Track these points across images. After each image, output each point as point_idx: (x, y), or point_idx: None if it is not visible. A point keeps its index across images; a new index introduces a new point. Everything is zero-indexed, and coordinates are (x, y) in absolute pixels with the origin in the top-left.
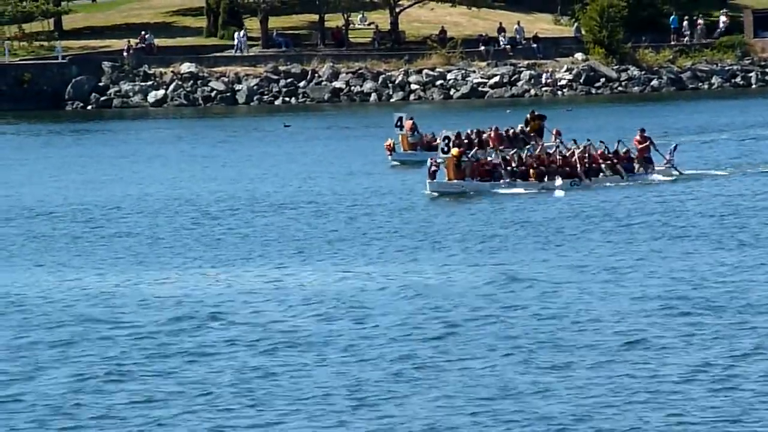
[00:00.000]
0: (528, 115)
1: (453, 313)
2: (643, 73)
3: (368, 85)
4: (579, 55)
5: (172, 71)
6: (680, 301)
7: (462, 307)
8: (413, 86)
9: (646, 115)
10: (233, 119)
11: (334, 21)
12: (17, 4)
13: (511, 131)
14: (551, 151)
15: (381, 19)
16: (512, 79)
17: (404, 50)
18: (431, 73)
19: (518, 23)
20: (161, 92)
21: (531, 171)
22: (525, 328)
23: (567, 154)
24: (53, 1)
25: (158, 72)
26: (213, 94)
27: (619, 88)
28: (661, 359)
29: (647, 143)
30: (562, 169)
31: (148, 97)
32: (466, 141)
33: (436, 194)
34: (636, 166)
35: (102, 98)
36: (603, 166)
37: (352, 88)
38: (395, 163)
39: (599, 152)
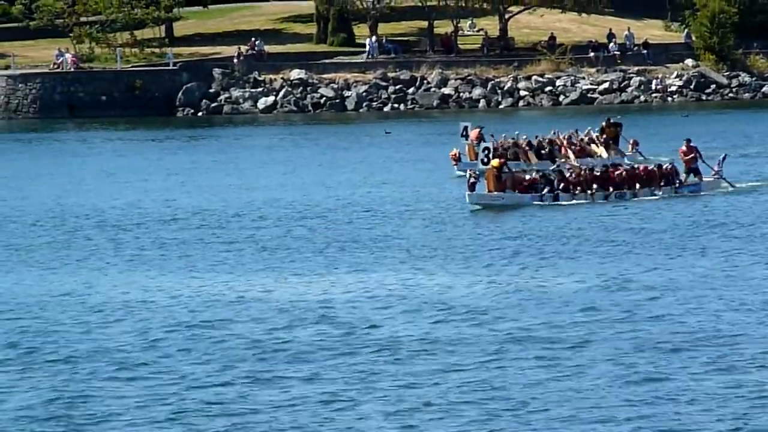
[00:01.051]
0: (603, 123)
1: (584, 320)
2: (754, 79)
3: (477, 92)
4: (689, 62)
5: (281, 78)
6: None
7: (589, 312)
8: (522, 92)
9: (757, 121)
10: (338, 126)
11: (443, 27)
12: (129, 11)
13: (585, 139)
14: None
15: (490, 25)
16: (622, 85)
17: (513, 56)
18: (540, 79)
19: (628, 29)
20: (271, 99)
21: (572, 185)
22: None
23: (622, 168)
24: (165, 8)
25: (268, 78)
26: (322, 100)
27: (730, 95)
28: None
29: (693, 154)
30: (602, 182)
31: (258, 104)
32: (531, 149)
33: (477, 207)
34: (682, 177)
35: (212, 105)
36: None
37: (461, 94)
38: (460, 173)
39: (643, 167)
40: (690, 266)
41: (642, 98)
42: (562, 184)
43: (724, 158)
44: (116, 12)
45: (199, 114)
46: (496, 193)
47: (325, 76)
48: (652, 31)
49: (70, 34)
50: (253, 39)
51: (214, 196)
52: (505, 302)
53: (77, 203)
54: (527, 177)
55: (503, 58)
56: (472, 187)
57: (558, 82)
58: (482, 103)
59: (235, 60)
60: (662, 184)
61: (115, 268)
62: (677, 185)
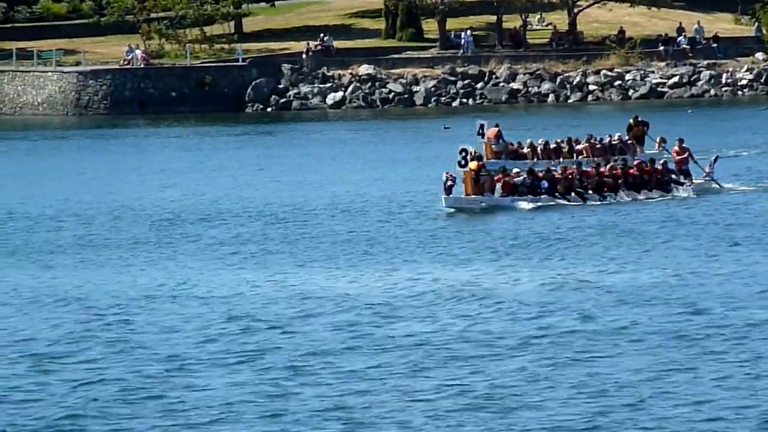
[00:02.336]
0: (631, 120)
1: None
2: None
3: (546, 86)
4: (760, 55)
5: (350, 73)
6: None
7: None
8: (591, 87)
9: None
10: (405, 121)
11: (512, 22)
12: (199, 7)
13: (607, 140)
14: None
15: (559, 19)
16: (692, 79)
17: (582, 51)
18: (609, 73)
19: (698, 23)
20: (339, 94)
21: (559, 186)
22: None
23: (603, 169)
24: (234, 4)
25: (337, 74)
26: (391, 95)
27: None
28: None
29: (686, 155)
30: (592, 183)
31: (327, 99)
32: (554, 149)
33: (452, 210)
34: (674, 178)
35: (281, 100)
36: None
37: (530, 89)
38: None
39: (636, 164)
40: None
41: (712, 92)
42: (548, 186)
43: (715, 160)
44: (186, 8)
45: (268, 110)
46: (474, 196)
47: (393, 71)
48: (722, 24)
49: (140, 31)
50: (321, 35)
51: (285, 191)
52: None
53: (152, 199)
54: (516, 179)
55: (572, 53)
56: (448, 190)
57: (627, 77)
58: (551, 97)
59: (304, 56)
60: (655, 185)
61: (199, 263)
62: (673, 186)
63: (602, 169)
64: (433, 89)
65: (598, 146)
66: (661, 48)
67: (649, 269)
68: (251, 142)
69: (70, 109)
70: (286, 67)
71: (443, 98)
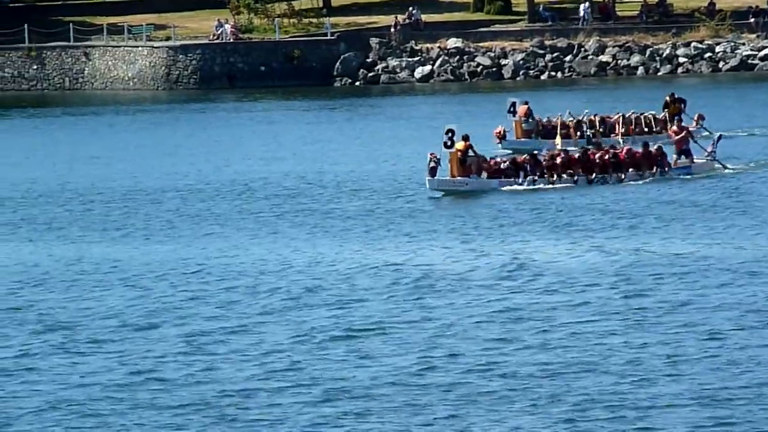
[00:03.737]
0: (667, 97)
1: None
2: None
3: (635, 59)
4: None
5: (438, 47)
6: None
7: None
8: (681, 59)
9: None
10: (492, 95)
11: None
12: None
13: (642, 117)
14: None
15: None
16: None
17: (672, 23)
18: (699, 45)
19: None
20: (428, 68)
21: (547, 169)
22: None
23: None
24: None
25: (425, 47)
26: (479, 69)
27: None
28: None
29: (684, 134)
30: (582, 166)
31: (415, 73)
32: (587, 127)
33: (438, 193)
34: (672, 160)
35: (369, 74)
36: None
37: (619, 61)
38: (506, 151)
39: (626, 148)
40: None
41: None
42: (536, 169)
43: (718, 138)
44: None
45: (357, 84)
46: (459, 178)
47: (481, 44)
48: None
49: (229, 5)
50: (410, 8)
51: (373, 164)
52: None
53: (243, 172)
54: (502, 162)
55: (662, 25)
56: (432, 171)
57: (717, 49)
58: (640, 70)
59: (392, 29)
60: (649, 167)
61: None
62: (666, 168)
63: (591, 153)
64: (521, 62)
65: (631, 125)
66: (752, 20)
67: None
68: (339, 115)
69: (160, 83)
70: (374, 41)
71: (531, 71)
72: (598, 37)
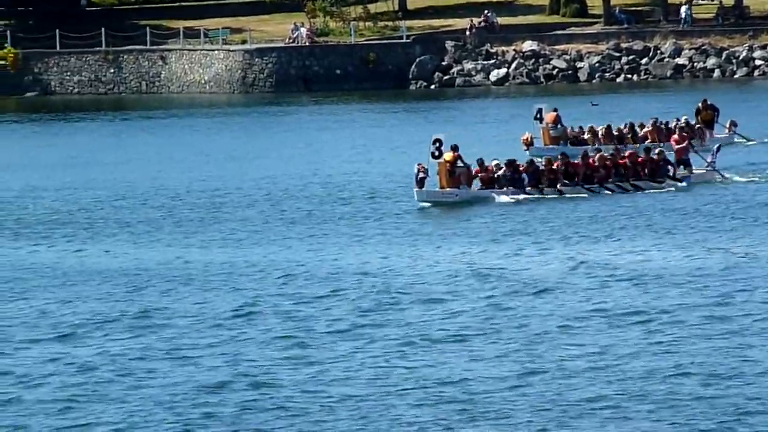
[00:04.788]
0: (699, 104)
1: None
2: None
3: (711, 61)
4: None
5: (514, 49)
6: None
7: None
8: (758, 62)
9: None
10: (561, 97)
11: None
12: None
13: (673, 124)
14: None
15: None
16: None
17: (749, 26)
18: None
19: None
20: (503, 71)
21: (543, 177)
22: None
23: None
24: None
25: (500, 50)
26: (554, 71)
27: None
28: None
29: (685, 143)
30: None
31: (490, 76)
32: (616, 134)
33: (426, 204)
34: (670, 169)
35: (445, 77)
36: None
37: (695, 64)
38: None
39: (628, 154)
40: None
41: None
42: (534, 177)
43: (718, 149)
44: None
45: (432, 87)
46: (448, 189)
47: (557, 47)
48: None
49: (305, 9)
50: (485, 11)
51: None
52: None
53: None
54: (497, 172)
55: (738, 27)
56: (420, 182)
57: None
58: (716, 72)
59: (468, 32)
60: (652, 174)
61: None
62: (670, 174)
63: (589, 160)
64: (597, 65)
65: (664, 131)
66: None
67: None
68: (414, 119)
69: (236, 87)
70: (449, 44)
71: (607, 74)
72: (674, 40)
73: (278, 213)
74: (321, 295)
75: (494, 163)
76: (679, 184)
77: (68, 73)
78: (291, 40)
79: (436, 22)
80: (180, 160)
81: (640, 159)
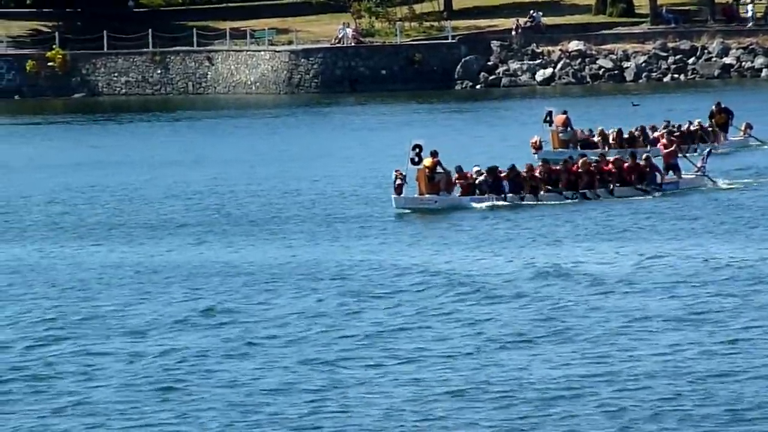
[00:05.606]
0: (713, 107)
1: None
2: None
3: (759, 61)
4: None
5: (560, 49)
6: None
7: None
8: None
9: None
10: (608, 97)
11: None
12: None
13: (685, 127)
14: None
15: None
16: None
17: None
18: None
19: None
20: (549, 70)
21: (523, 185)
22: None
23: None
24: None
25: (546, 50)
26: (601, 71)
27: None
28: None
29: (674, 148)
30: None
31: (536, 76)
32: (628, 138)
33: (405, 211)
34: (658, 175)
35: (490, 77)
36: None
37: (743, 63)
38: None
39: (613, 159)
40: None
41: None
42: (515, 184)
43: (708, 153)
44: None
45: (477, 87)
46: (428, 195)
47: (603, 47)
48: None
49: (351, 9)
50: (531, 11)
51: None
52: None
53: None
54: (478, 178)
55: None
56: (398, 189)
57: None
58: (764, 72)
59: (513, 32)
60: (637, 179)
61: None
62: (654, 183)
63: (573, 166)
64: (643, 65)
65: (677, 134)
66: None
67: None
68: (460, 119)
69: (282, 87)
70: (495, 44)
71: (654, 74)
72: (721, 39)
73: (331, 213)
74: (385, 294)
75: (475, 169)
76: (656, 193)
77: (116, 74)
78: (337, 41)
79: (481, 22)
80: (231, 161)
81: (625, 165)
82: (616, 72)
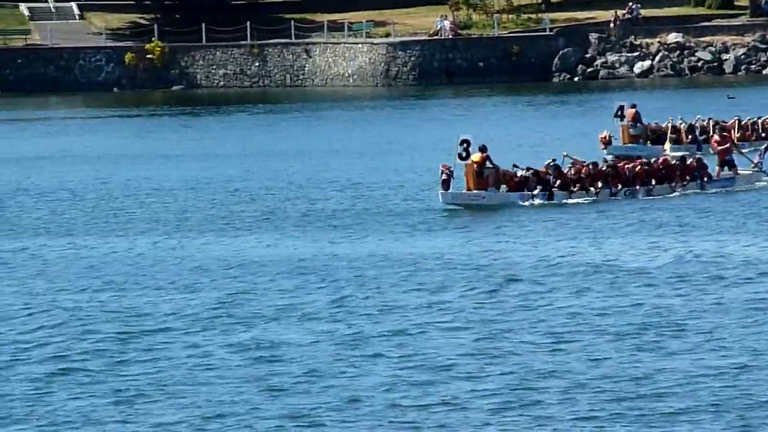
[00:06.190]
0: None
1: None
2: None
3: None
4: None
5: (658, 41)
6: None
7: None
8: None
9: None
10: (707, 90)
11: None
12: None
13: (760, 121)
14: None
15: None
16: None
17: None
18: None
19: None
20: (647, 63)
21: (570, 182)
22: None
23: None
24: None
25: (644, 42)
26: (699, 63)
27: None
28: None
29: (728, 145)
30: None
31: (634, 68)
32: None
33: (453, 207)
34: (716, 170)
35: (588, 70)
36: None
37: None
38: (610, 157)
39: (662, 159)
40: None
41: None
42: (558, 182)
43: (766, 149)
44: None
45: (575, 79)
46: (476, 191)
47: (702, 39)
48: None
49: (448, 2)
50: (629, 3)
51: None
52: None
53: None
54: (519, 174)
55: None
56: (445, 184)
57: None
58: None
59: (611, 24)
60: (685, 179)
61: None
62: (705, 181)
63: (620, 165)
64: (742, 57)
65: (749, 130)
66: None
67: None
68: (558, 112)
69: (379, 80)
70: (593, 37)
71: (753, 66)
72: None
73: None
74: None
75: (520, 173)
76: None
77: (214, 67)
78: (434, 33)
79: (579, 15)
80: (336, 152)
81: (674, 164)
82: (714, 64)
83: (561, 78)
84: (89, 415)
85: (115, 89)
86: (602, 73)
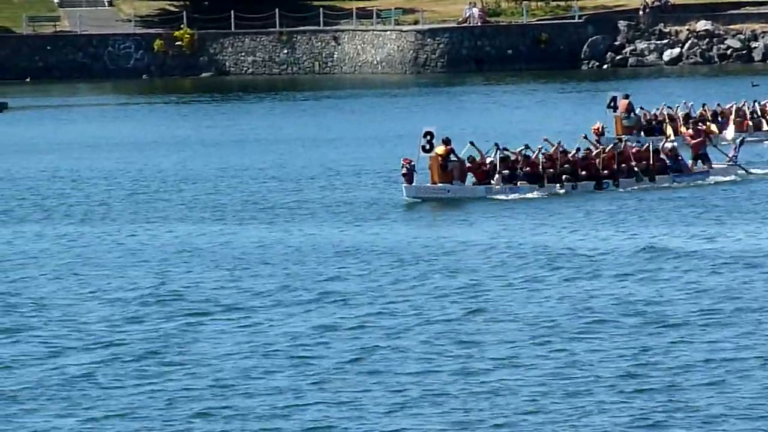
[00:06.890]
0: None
1: None
2: None
3: None
4: None
5: (687, 29)
6: None
7: None
8: None
9: None
10: (736, 78)
11: None
12: None
13: (762, 108)
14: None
15: None
16: None
17: None
18: None
19: None
20: (676, 50)
21: (542, 172)
22: None
23: (592, 155)
24: None
25: (673, 30)
26: (729, 51)
27: None
28: None
29: (701, 138)
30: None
31: (663, 56)
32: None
33: (417, 200)
34: (689, 163)
35: (617, 57)
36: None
37: None
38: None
39: (634, 150)
40: None
41: None
42: (524, 173)
43: (741, 142)
44: None
45: (604, 67)
46: (440, 184)
47: (731, 26)
48: None
49: None
50: None
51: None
52: None
53: None
54: (487, 163)
55: None
56: (407, 177)
57: None
58: None
59: (641, 12)
60: (660, 170)
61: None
62: (678, 174)
63: (591, 155)
64: None
65: (748, 116)
66: None
67: None
68: (586, 99)
69: (408, 67)
70: (622, 24)
71: None
72: None
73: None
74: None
75: (488, 160)
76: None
77: (243, 54)
78: (463, 20)
79: (608, 2)
80: (366, 139)
81: (647, 155)
82: (744, 52)
83: (590, 66)
84: (134, 403)
85: (143, 76)
86: (631, 60)
